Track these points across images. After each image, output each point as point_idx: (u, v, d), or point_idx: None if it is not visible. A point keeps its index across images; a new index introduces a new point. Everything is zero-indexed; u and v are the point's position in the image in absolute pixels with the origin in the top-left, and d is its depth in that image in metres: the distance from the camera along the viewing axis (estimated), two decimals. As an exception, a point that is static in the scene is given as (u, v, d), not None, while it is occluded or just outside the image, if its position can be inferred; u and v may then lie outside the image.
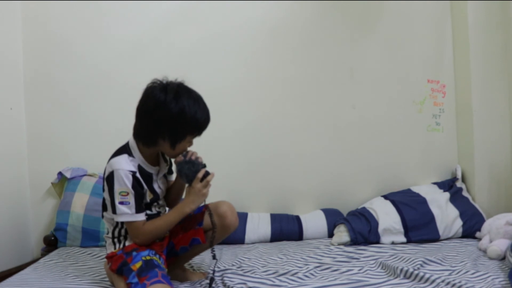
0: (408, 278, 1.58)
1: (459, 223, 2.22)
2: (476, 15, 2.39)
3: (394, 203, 2.30)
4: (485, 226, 2.10)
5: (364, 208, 2.35)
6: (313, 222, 2.34)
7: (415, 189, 2.44)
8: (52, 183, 2.38)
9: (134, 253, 1.47)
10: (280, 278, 1.63)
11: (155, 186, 1.58)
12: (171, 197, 1.69)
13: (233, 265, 1.82)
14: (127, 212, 1.45)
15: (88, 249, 2.15)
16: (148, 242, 1.51)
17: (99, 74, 2.43)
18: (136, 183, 1.47)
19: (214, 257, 1.59)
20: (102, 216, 1.60)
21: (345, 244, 2.13)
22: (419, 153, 2.57)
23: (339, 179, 2.53)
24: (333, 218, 2.35)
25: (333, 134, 2.54)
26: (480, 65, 2.39)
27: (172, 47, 2.45)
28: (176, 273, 1.67)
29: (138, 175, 1.49)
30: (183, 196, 1.59)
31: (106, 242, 1.59)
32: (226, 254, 2.01)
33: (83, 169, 2.39)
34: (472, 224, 2.22)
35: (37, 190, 2.42)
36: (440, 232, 2.17)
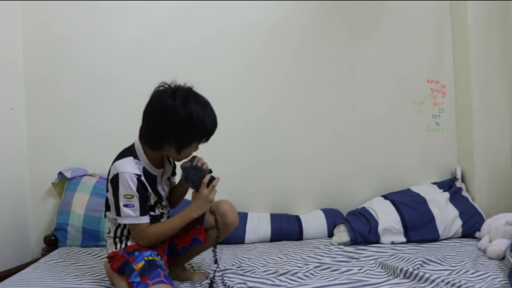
0: (408, 278, 1.58)
1: (458, 223, 2.22)
2: (476, 15, 2.39)
3: (394, 203, 2.30)
4: (485, 226, 2.10)
5: (364, 208, 2.35)
6: (313, 222, 2.34)
7: (415, 189, 2.44)
8: (52, 183, 2.38)
9: (137, 253, 1.47)
10: (280, 278, 1.63)
11: (159, 188, 1.58)
12: (174, 197, 1.69)
13: (233, 265, 1.82)
14: (131, 215, 1.45)
15: (88, 249, 2.15)
16: (151, 245, 1.51)
17: (99, 75, 2.43)
18: (140, 186, 1.47)
19: (216, 261, 1.60)
20: (105, 216, 1.60)
21: (345, 244, 2.14)
22: (419, 153, 2.57)
23: (339, 179, 2.53)
24: (333, 218, 2.35)
25: (333, 134, 2.54)
26: (480, 65, 2.39)
27: (172, 48, 2.45)
28: (176, 272, 1.67)
29: (143, 178, 1.48)
30: (186, 197, 1.59)
31: (107, 241, 1.59)
32: (226, 254, 2.02)
33: (84, 169, 2.40)
34: (471, 224, 2.22)
35: (38, 190, 2.42)
36: (440, 232, 2.17)
